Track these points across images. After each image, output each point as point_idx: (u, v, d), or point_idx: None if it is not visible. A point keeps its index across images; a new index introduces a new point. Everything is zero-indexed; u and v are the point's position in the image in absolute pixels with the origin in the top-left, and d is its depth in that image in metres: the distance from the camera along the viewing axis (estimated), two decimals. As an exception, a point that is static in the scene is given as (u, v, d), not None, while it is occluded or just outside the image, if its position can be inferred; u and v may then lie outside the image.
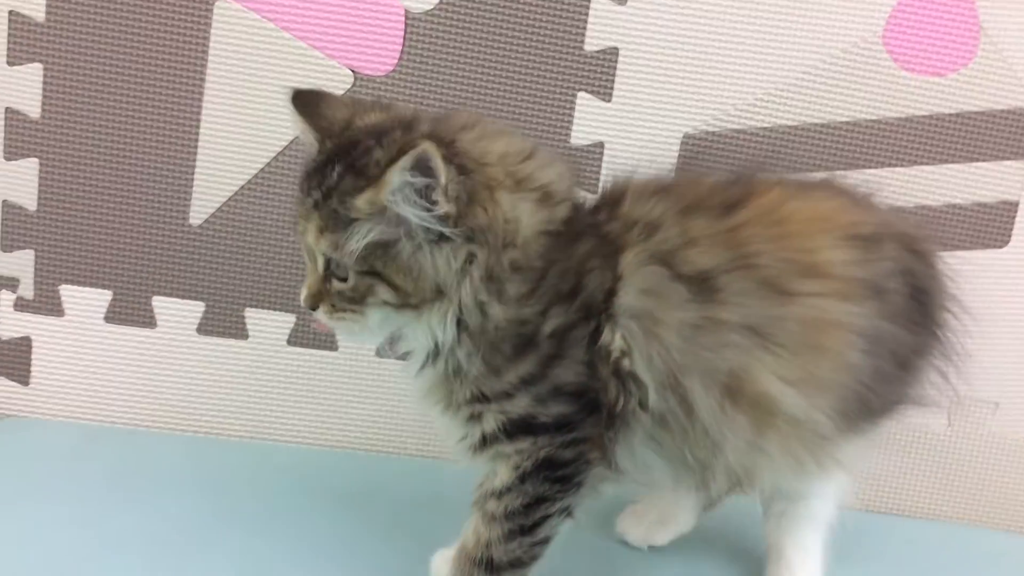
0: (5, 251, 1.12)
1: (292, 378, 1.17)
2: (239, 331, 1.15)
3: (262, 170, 1.11)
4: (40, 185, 1.11)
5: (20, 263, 1.13)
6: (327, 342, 1.16)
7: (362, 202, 0.72)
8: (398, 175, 0.70)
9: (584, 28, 1.09)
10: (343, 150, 0.76)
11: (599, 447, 0.79)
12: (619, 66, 1.10)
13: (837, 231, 0.80)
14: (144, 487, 1.02)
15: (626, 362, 0.77)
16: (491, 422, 0.78)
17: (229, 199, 1.12)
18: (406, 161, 0.70)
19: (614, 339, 0.77)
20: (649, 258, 0.77)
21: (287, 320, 1.15)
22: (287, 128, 1.08)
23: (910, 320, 0.83)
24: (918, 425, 1.19)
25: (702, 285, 0.77)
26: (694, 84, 1.10)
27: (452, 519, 0.85)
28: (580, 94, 1.10)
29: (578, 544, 0.96)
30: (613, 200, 0.83)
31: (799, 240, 0.79)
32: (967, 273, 1.13)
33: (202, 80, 1.09)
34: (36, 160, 1.10)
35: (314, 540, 0.96)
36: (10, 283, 1.13)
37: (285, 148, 1.10)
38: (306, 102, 0.80)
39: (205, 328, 1.15)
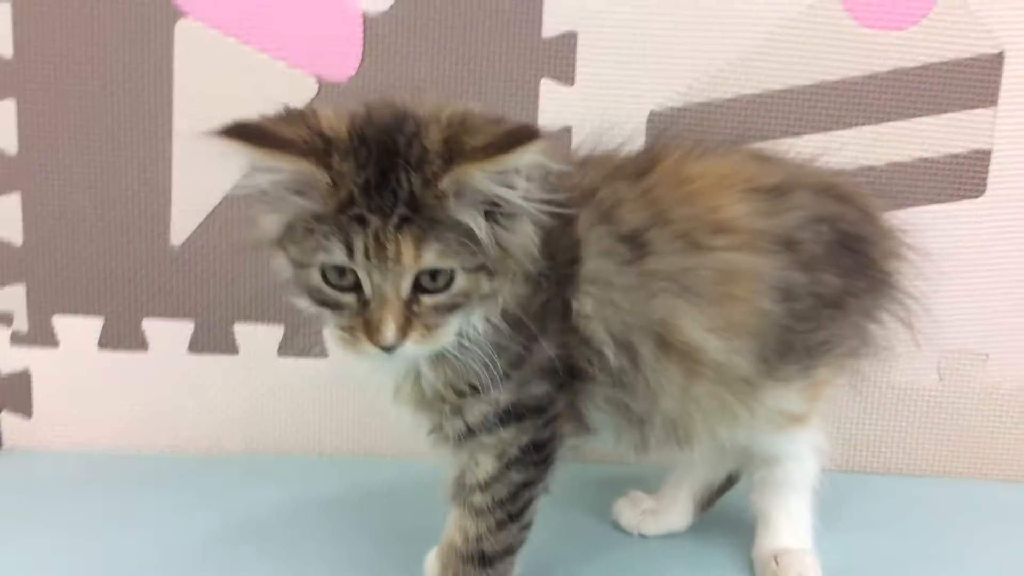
0: (-4, 287, 1.15)
1: (285, 388, 1.18)
2: (229, 346, 1.17)
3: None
4: (24, 219, 1.14)
5: (12, 298, 1.15)
6: (317, 351, 1.17)
7: (463, 176, 0.68)
8: (531, 155, 0.68)
9: (540, 14, 1.10)
10: (383, 158, 0.69)
11: (568, 420, 0.79)
12: (579, 50, 1.11)
13: (738, 186, 0.82)
14: (148, 510, 1.03)
15: (592, 326, 0.78)
16: (476, 414, 0.78)
17: (208, 216, 1.13)
18: (539, 145, 0.67)
19: (583, 306, 0.78)
20: (597, 218, 0.78)
21: (276, 332, 1.17)
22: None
23: (836, 265, 0.84)
24: (908, 382, 1.19)
25: (634, 243, 0.79)
26: (655, 61, 1.11)
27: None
28: (543, 80, 1.11)
29: (571, 528, 0.98)
30: None
31: (703, 198, 0.81)
32: (945, 226, 1.15)
33: (170, 101, 1.11)
34: (19, 194, 1.13)
35: (319, 549, 0.96)
36: (5, 318, 1.15)
37: (258, 161, 1.12)
38: (253, 136, 0.69)
39: (196, 346, 1.17)
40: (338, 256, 0.69)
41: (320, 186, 0.68)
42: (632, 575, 0.92)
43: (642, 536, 0.99)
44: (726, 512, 1.01)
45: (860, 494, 1.11)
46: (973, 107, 1.13)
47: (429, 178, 0.68)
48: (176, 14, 1.09)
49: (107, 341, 1.16)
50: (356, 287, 0.71)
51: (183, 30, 1.09)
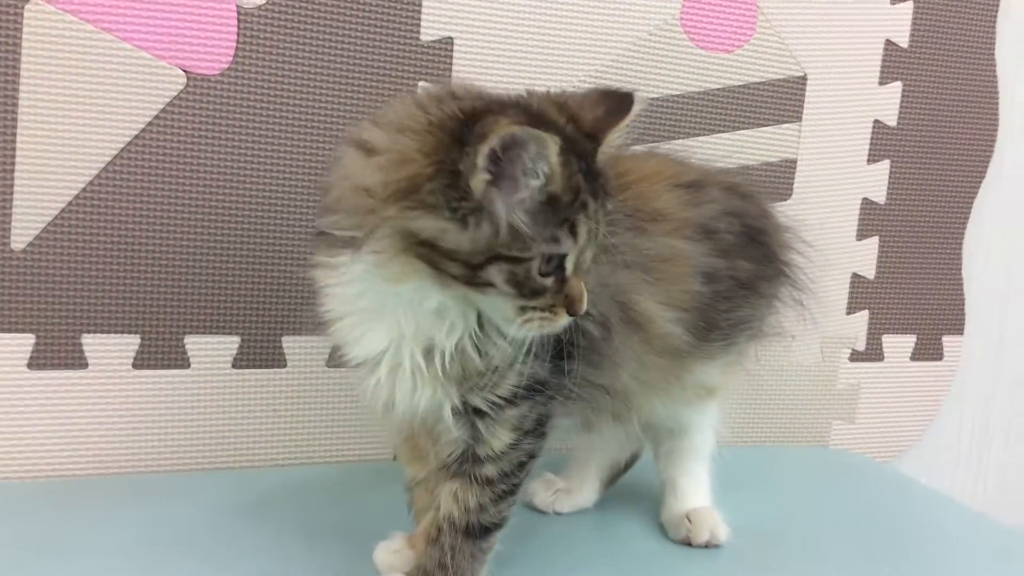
0: None
1: (241, 401, 1.12)
2: (178, 360, 1.08)
3: (90, 183, 1.03)
4: None
5: None
6: (276, 360, 1.12)
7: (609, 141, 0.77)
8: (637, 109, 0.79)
9: (419, 19, 1.11)
10: (584, 144, 0.75)
11: (561, 394, 0.83)
12: (455, 54, 1.13)
13: (666, 181, 0.93)
14: (91, 536, 0.93)
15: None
16: (507, 387, 0.79)
17: (53, 220, 1.03)
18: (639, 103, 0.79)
19: None
20: None
21: (232, 343, 1.10)
22: (116, 136, 1.02)
23: (746, 253, 0.97)
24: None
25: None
26: (524, 68, 1.17)
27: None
28: (420, 83, 1.13)
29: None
30: None
31: (639, 189, 0.90)
32: None
33: (15, 91, 0.99)
34: None
35: (248, 554, 0.91)
36: None
37: (115, 158, 1.03)
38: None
39: (140, 362, 1.06)
40: (567, 244, 0.73)
41: (555, 172, 0.71)
42: (556, 549, 0.96)
43: (557, 513, 1.05)
44: (626, 487, 1.10)
45: (758, 464, 1.27)
46: (783, 122, 1.30)
47: (594, 156, 0.75)
48: (21, -8, 0.98)
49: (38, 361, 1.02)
50: (557, 269, 0.73)
51: (33, 13, 0.98)
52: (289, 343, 1.13)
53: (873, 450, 1.44)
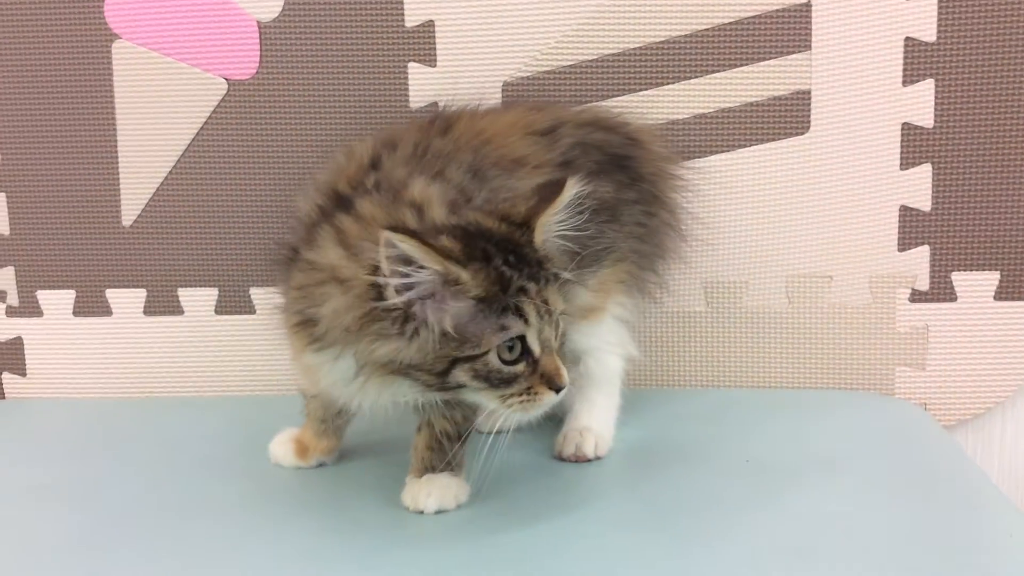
0: (-8, 270, 1.42)
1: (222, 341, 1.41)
2: (175, 308, 1.41)
3: (169, 174, 1.36)
4: (9, 213, 1.40)
5: (5, 278, 1.41)
6: (249, 308, 1.39)
7: (545, 225, 0.86)
8: (570, 191, 0.87)
9: (402, 8, 1.29)
10: (499, 245, 0.83)
11: None
12: (437, 35, 1.30)
13: (519, 131, 1.03)
14: (127, 444, 1.24)
15: None
16: None
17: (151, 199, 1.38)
18: (572, 182, 0.88)
19: None
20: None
21: (212, 293, 1.40)
22: (182, 137, 1.34)
23: (610, 181, 1.03)
24: (761, 305, 1.31)
25: (475, 176, 0.98)
26: (504, 38, 1.29)
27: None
28: (410, 64, 1.30)
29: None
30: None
31: (498, 142, 1.01)
32: (779, 162, 1.28)
33: (113, 110, 1.36)
34: (3, 194, 1.39)
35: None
36: (1, 295, 1.42)
37: (183, 154, 1.35)
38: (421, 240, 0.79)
39: (150, 310, 1.41)
40: (517, 327, 0.81)
41: (472, 284, 0.79)
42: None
43: (479, 432, 1.15)
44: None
45: (723, 405, 1.28)
46: (789, 53, 1.26)
47: (531, 243, 0.84)
48: (111, 36, 1.34)
49: (79, 310, 1.41)
50: (522, 354, 0.82)
51: (118, 48, 1.34)
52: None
53: (953, 404, 1.30)
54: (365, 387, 0.85)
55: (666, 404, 1.26)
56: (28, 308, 1.42)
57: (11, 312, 1.42)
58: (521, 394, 0.83)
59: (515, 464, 1.05)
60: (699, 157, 1.28)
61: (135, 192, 1.38)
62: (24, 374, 1.44)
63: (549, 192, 0.87)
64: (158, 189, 1.37)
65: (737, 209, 1.30)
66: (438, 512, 0.93)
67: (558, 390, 0.84)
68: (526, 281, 0.82)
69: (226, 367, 1.41)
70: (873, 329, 1.31)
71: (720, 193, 1.28)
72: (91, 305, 1.41)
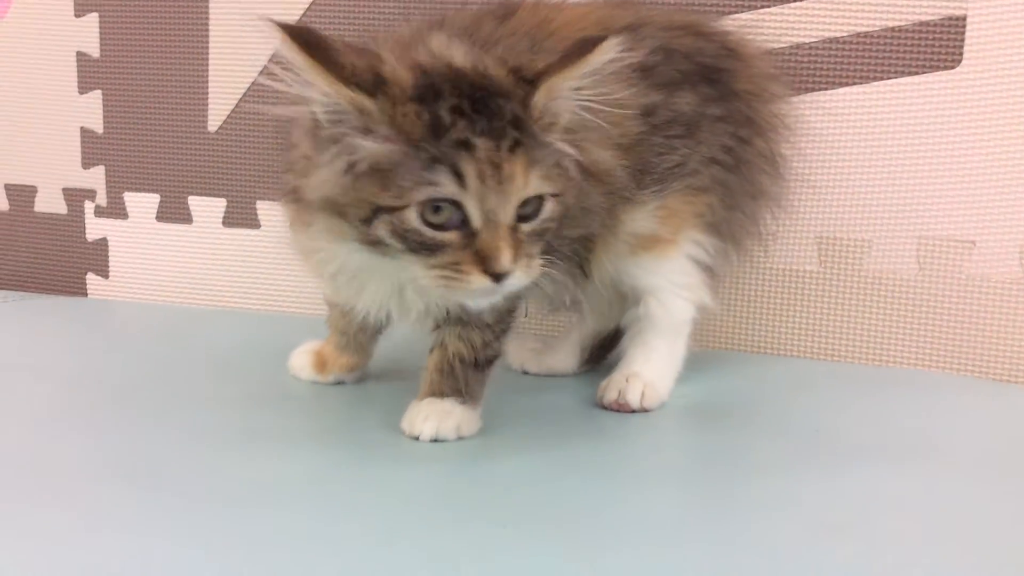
0: (84, 168, 1.41)
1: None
2: (253, 221, 1.35)
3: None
4: (104, 113, 1.39)
5: (95, 177, 1.40)
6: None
7: (554, 87, 0.72)
8: (607, 53, 0.72)
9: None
10: (471, 89, 0.70)
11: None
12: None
13: (591, 25, 0.87)
14: (192, 340, 1.22)
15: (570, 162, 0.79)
16: None
17: (234, 109, 1.33)
18: (612, 42, 0.71)
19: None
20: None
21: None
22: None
23: (693, 92, 0.88)
24: (884, 270, 1.12)
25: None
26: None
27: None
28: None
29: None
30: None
31: (562, 33, 0.87)
32: (919, 101, 1.09)
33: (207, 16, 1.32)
34: (100, 92, 1.38)
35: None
36: (89, 194, 1.41)
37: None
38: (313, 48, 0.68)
39: (228, 220, 1.37)
40: (448, 187, 0.68)
41: (381, 119, 0.68)
42: (506, 398, 0.96)
43: (524, 373, 1.05)
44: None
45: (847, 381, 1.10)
46: (943, -29, 1.06)
47: (525, 100, 0.70)
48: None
49: (162, 215, 1.38)
50: (460, 223, 0.69)
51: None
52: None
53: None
54: (338, 259, 0.77)
55: (750, 368, 1.10)
56: (115, 209, 1.41)
57: (99, 212, 1.41)
58: (445, 267, 0.69)
59: (547, 406, 0.94)
60: (824, 89, 1.11)
61: (222, 97, 1.33)
62: (107, 276, 1.43)
63: (577, 48, 0.72)
64: (243, 95, 1.32)
65: (864, 154, 1.12)
66: (435, 440, 0.82)
67: (495, 276, 0.69)
68: (474, 136, 0.67)
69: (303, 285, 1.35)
70: (1022, 308, 1.09)
71: (845, 133, 1.11)
72: (174, 211, 1.38)
